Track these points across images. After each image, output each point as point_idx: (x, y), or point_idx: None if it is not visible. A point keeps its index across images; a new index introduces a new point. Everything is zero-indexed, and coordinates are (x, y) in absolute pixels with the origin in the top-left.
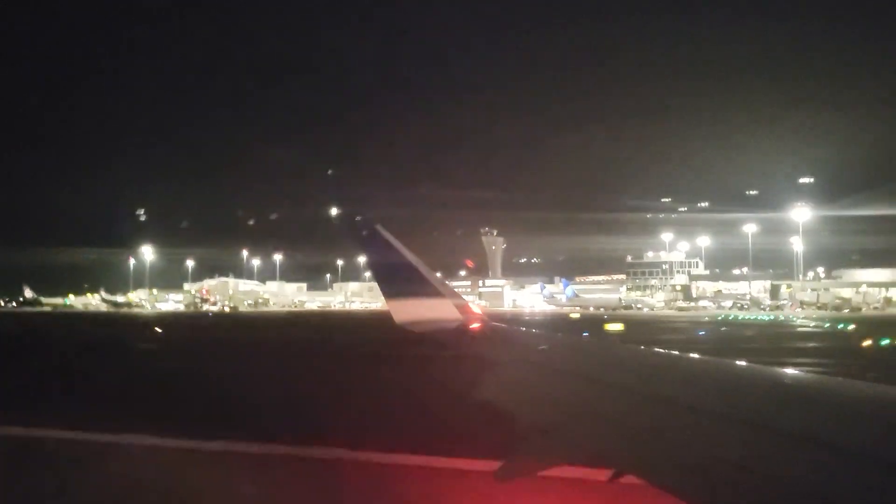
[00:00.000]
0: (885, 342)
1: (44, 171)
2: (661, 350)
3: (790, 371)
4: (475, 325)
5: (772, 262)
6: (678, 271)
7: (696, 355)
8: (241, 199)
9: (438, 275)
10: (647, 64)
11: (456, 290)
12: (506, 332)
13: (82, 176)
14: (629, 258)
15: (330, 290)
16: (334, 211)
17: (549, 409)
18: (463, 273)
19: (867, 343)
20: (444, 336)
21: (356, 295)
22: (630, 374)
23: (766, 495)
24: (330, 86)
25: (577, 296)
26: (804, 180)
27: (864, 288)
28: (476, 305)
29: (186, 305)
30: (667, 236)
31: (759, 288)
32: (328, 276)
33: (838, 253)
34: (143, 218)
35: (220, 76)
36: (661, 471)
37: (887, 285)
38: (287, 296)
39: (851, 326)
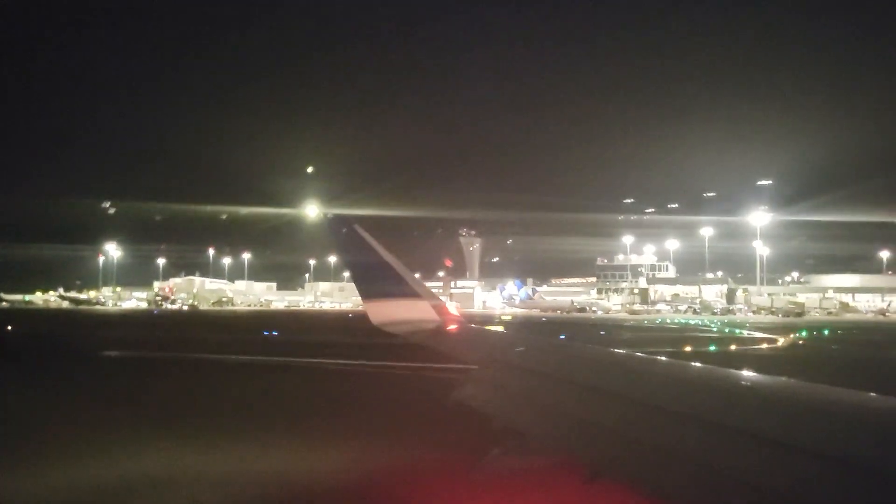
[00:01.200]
0: (713, 348)
1: (14, 166)
2: (640, 354)
3: (771, 377)
4: (452, 327)
5: (747, 266)
6: (648, 274)
7: (665, 359)
8: (217, 198)
9: (417, 275)
10: (608, 69)
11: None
12: (483, 334)
13: (55, 172)
14: (601, 261)
15: (300, 289)
16: (313, 210)
17: (524, 410)
18: (441, 273)
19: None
20: (422, 338)
21: (326, 295)
22: (606, 377)
23: (741, 497)
24: (310, 83)
25: (531, 298)
26: (763, 182)
27: (830, 293)
28: (452, 306)
29: (148, 303)
30: (639, 239)
31: (718, 291)
32: (307, 275)
33: (814, 257)
34: (116, 216)
35: (198, 70)
36: (637, 473)
37: (852, 290)
38: (256, 295)
39: (745, 332)
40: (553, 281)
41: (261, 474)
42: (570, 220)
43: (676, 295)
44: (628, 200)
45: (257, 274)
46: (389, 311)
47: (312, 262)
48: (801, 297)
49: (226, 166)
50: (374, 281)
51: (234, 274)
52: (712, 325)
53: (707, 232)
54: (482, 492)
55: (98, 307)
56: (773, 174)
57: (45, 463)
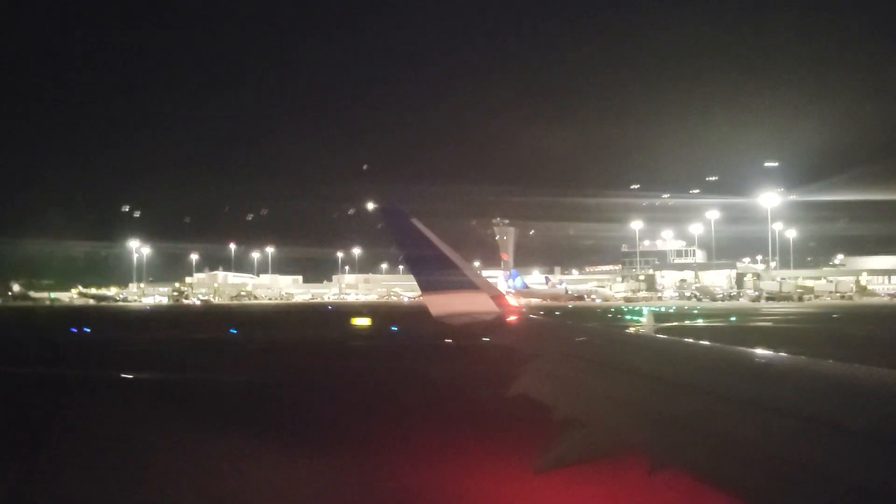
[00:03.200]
0: None
1: (43, 163)
2: (700, 342)
3: (829, 362)
4: (512, 318)
5: (787, 249)
6: (673, 260)
7: (730, 346)
8: (247, 193)
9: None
10: (611, 50)
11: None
12: (543, 324)
13: (85, 169)
14: (626, 248)
15: (327, 282)
16: (371, 204)
17: (585, 401)
18: (477, 263)
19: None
20: (482, 329)
21: (351, 287)
22: (669, 367)
23: (810, 488)
24: (331, 77)
25: (527, 287)
26: (770, 164)
27: (864, 276)
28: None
29: (169, 299)
30: (667, 225)
31: (728, 276)
32: (346, 267)
33: (851, 240)
34: (149, 212)
35: (234, 65)
36: (701, 463)
37: (890, 273)
38: (281, 288)
39: (644, 317)
40: (587, 269)
41: None
42: (598, 206)
43: (683, 281)
44: (635, 186)
45: (287, 267)
46: (448, 303)
47: (340, 254)
48: (823, 282)
49: (263, 160)
50: (432, 273)
51: (271, 268)
52: (640, 313)
53: (738, 215)
54: (544, 483)
55: (117, 304)
56: (812, 153)
57: None
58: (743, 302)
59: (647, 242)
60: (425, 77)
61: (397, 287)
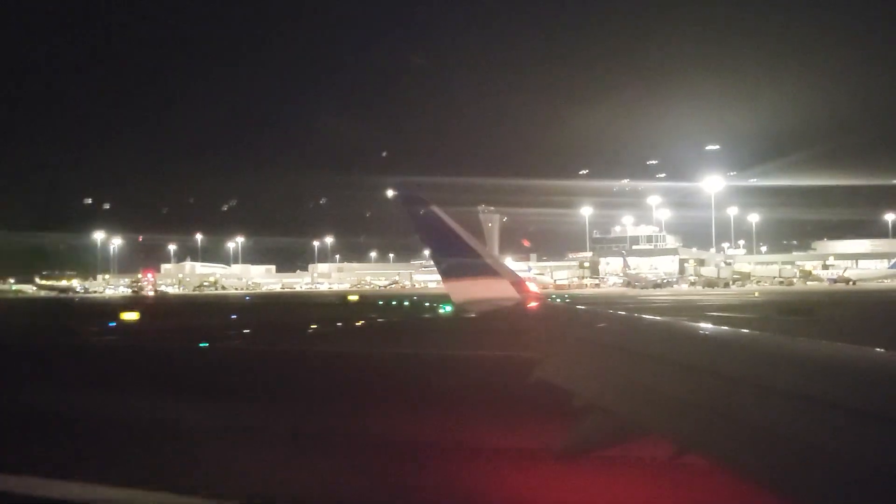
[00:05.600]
0: None
1: (20, 153)
2: (722, 327)
3: (854, 346)
4: (533, 304)
5: (768, 234)
6: (629, 246)
7: (755, 332)
8: (222, 182)
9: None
10: (548, 32)
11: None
12: (563, 311)
13: (53, 159)
14: (597, 234)
15: (301, 271)
16: (390, 192)
17: (607, 387)
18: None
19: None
20: (503, 315)
21: (324, 276)
22: (692, 352)
23: (832, 474)
24: (310, 64)
25: None
26: (711, 147)
27: (831, 260)
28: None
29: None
30: (640, 210)
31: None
32: (337, 256)
33: (829, 224)
34: (117, 203)
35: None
36: (723, 449)
37: (856, 257)
38: (251, 278)
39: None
40: (569, 255)
41: None
42: (576, 191)
43: (626, 268)
44: (584, 171)
45: (265, 257)
46: (469, 290)
47: (317, 244)
48: (774, 267)
49: (241, 148)
50: (452, 260)
51: (247, 258)
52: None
53: (701, 200)
54: (567, 469)
55: (72, 294)
56: (790, 136)
57: None
58: (660, 289)
59: (618, 228)
60: (389, 68)
61: (369, 276)
